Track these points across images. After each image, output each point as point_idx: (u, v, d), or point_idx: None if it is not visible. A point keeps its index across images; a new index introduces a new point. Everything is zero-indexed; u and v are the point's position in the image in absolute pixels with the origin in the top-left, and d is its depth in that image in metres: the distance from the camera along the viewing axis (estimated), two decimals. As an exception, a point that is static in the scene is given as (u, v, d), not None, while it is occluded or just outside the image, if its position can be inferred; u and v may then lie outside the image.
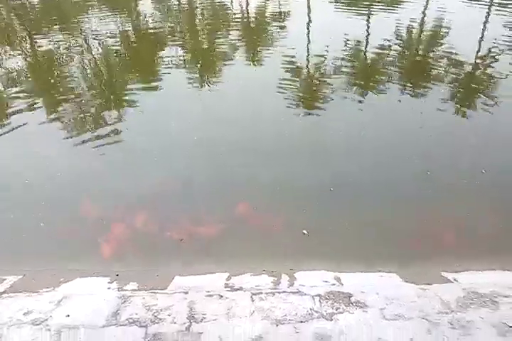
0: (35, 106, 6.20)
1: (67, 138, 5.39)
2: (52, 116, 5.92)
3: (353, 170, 4.63)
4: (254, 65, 7.81)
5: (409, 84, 6.83)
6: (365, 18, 9.99)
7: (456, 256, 3.53)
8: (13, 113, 5.98)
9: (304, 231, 3.81)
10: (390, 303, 2.84)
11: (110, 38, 9.15)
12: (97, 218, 4.08)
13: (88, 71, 7.68)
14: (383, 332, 2.55)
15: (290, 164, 4.77)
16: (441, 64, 7.44)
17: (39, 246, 3.82)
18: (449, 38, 8.61)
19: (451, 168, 4.68)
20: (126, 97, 6.57)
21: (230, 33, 9.50)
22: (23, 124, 5.62)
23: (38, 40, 9.09)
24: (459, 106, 6.09)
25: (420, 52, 8.35)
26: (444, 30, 9.09)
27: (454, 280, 3.16)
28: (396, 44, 8.43)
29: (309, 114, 5.91)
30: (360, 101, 6.21)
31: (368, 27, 9.36)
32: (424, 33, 9.15)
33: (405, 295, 2.93)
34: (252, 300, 2.93)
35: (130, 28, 10.08)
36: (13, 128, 5.57)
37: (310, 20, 9.97)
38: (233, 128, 5.51)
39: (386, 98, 6.32)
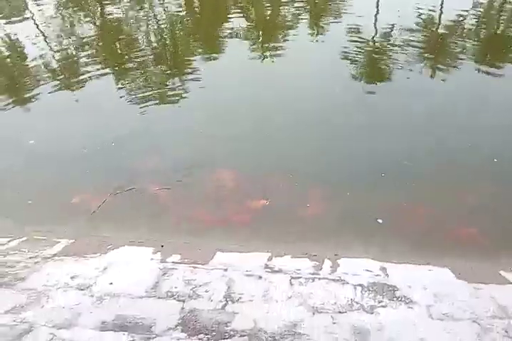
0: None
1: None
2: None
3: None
4: (317, 35, 7.47)
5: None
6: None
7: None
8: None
9: (379, 221, 3.63)
10: (439, 301, 2.65)
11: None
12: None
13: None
14: (427, 333, 2.39)
15: (360, 140, 4.60)
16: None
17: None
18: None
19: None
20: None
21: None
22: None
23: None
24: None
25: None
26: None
27: (515, 281, 2.89)
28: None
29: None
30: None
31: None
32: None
33: (456, 294, 2.72)
34: (291, 284, 2.86)
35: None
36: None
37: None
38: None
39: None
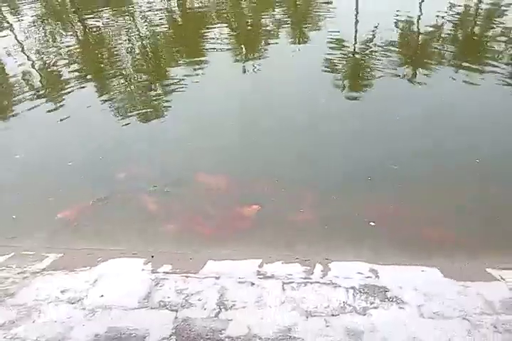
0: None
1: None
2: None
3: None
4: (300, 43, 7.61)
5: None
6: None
7: (504, 252, 3.29)
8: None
9: (372, 223, 3.67)
10: (429, 300, 2.70)
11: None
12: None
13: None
14: (419, 331, 2.42)
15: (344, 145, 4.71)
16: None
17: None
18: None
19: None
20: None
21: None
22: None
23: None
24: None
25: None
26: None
27: (501, 278, 2.95)
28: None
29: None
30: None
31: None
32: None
33: (445, 293, 2.77)
34: (283, 290, 2.87)
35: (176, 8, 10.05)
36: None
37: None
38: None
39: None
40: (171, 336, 2.46)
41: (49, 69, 7.18)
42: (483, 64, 6.36)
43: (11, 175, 4.56)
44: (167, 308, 2.73)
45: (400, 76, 6.15)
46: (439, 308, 2.61)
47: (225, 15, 9.56)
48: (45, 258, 3.42)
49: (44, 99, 6.17)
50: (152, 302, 2.79)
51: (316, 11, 9.08)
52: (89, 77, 6.83)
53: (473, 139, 4.60)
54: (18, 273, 3.18)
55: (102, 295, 2.85)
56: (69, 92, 6.26)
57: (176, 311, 2.70)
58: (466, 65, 6.37)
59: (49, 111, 5.80)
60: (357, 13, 8.55)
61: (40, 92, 6.49)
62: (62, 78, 6.82)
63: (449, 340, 2.35)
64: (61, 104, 5.98)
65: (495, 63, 6.29)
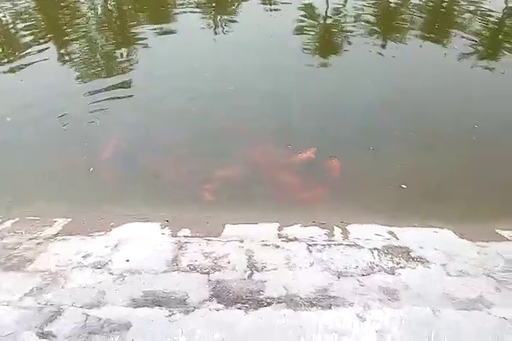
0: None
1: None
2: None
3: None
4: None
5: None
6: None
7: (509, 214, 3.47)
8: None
9: (403, 186, 3.72)
10: (451, 260, 2.81)
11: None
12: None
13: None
14: (450, 288, 2.54)
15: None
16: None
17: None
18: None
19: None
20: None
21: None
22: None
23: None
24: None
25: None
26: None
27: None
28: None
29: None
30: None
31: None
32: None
33: (465, 252, 2.90)
34: (310, 251, 2.91)
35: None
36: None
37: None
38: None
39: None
40: (211, 298, 2.44)
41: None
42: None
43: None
44: (197, 271, 2.70)
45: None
46: (463, 267, 2.73)
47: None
48: (54, 223, 3.28)
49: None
50: (181, 265, 2.75)
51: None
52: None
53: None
54: (30, 239, 3.04)
55: (127, 260, 2.78)
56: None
57: (208, 274, 2.68)
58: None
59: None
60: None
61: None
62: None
63: (479, 296, 2.48)
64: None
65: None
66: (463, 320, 2.31)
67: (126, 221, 3.33)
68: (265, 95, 4.87)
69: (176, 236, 3.10)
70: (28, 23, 6.83)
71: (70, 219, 3.34)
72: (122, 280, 2.61)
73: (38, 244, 2.98)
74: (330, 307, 2.38)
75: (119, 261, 2.79)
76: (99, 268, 2.71)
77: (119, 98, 4.98)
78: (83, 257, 2.82)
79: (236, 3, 7.66)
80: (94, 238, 3.06)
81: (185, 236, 3.11)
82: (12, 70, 5.54)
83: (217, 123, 4.49)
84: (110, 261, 2.79)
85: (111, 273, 2.66)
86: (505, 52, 6.09)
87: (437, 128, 4.40)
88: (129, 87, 5.24)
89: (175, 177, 3.94)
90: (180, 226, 3.25)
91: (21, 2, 7.60)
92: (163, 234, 3.12)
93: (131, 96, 5.01)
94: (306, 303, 2.41)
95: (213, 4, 7.64)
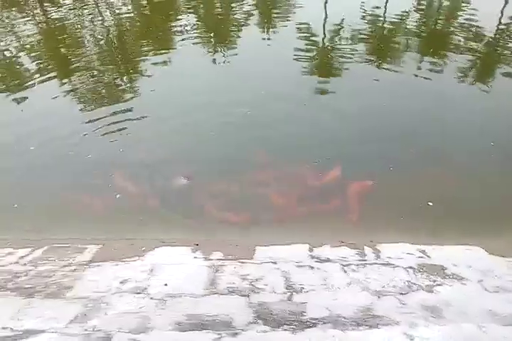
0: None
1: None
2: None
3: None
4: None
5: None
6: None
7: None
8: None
9: (430, 203, 3.79)
10: (486, 276, 2.84)
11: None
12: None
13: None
14: (491, 304, 2.55)
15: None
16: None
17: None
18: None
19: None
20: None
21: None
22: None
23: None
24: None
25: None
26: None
27: (541, 254, 3.16)
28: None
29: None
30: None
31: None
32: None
33: (497, 268, 2.93)
34: (345, 272, 2.93)
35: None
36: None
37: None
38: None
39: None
40: (255, 320, 2.45)
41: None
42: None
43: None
44: (237, 294, 2.71)
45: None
46: (499, 283, 2.76)
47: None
48: (84, 250, 3.29)
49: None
50: (219, 288, 2.76)
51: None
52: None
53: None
54: (64, 266, 3.04)
55: (166, 284, 2.79)
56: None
57: (248, 296, 2.68)
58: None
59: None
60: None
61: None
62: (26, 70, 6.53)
63: (522, 311, 2.50)
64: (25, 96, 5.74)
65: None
66: (510, 335, 2.32)
67: (155, 245, 3.34)
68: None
69: (209, 259, 3.11)
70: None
71: (100, 246, 3.35)
72: (164, 305, 2.61)
73: (73, 270, 2.98)
74: (377, 327, 2.38)
75: (157, 285, 2.79)
76: (138, 293, 2.72)
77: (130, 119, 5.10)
78: (121, 283, 2.82)
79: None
80: (129, 263, 3.07)
81: (218, 259, 3.12)
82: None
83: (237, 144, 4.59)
84: (149, 285, 2.79)
85: (151, 298, 2.67)
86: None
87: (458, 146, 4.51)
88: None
89: (199, 200, 3.97)
90: (210, 249, 3.26)
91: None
92: (195, 257, 3.13)
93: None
94: (352, 323, 2.42)
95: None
